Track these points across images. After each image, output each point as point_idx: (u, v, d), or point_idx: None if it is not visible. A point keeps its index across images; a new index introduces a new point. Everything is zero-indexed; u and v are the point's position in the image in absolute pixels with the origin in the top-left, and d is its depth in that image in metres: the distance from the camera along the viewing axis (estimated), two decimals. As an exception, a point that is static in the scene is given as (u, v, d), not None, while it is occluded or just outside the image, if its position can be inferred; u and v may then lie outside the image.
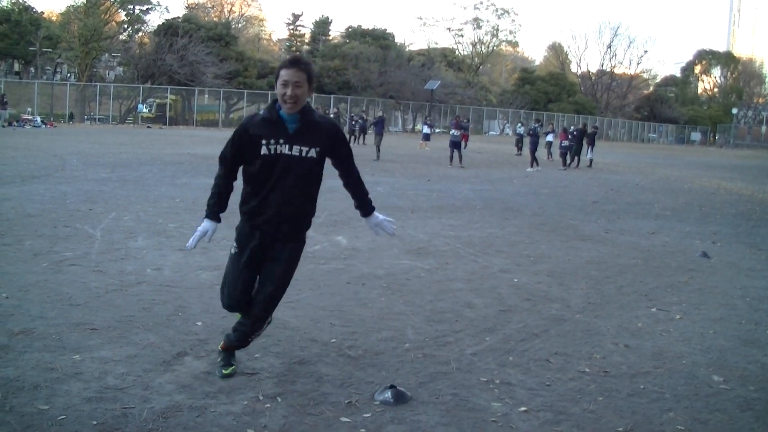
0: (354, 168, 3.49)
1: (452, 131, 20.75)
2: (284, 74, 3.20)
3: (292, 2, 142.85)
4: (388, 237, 3.54)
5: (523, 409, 3.25)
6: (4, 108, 31.87)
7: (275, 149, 3.23)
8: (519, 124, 32.14)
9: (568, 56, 76.02)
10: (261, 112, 3.34)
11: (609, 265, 6.73)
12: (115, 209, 8.56)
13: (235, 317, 3.65)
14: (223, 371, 3.46)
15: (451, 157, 20.08)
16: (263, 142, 3.23)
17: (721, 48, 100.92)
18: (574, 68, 75.16)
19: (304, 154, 3.25)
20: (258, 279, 3.41)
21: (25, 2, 48.83)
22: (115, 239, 6.62)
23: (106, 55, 48.69)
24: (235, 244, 3.40)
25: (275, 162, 3.23)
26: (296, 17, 65.99)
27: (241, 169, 3.40)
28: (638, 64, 75.63)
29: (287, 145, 3.23)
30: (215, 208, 3.41)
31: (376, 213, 3.53)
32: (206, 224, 3.39)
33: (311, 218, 3.50)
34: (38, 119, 34.13)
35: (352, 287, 5.40)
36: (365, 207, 3.53)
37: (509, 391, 3.45)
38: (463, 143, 22.23)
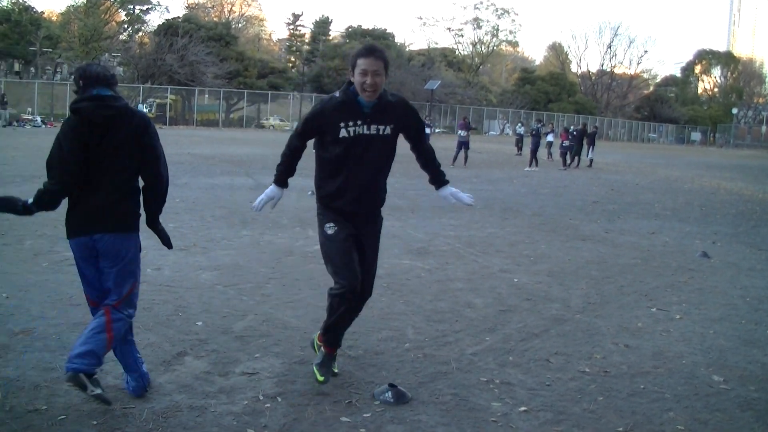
0: (425, 142, 3.55)
1: (459, 132, 20.72)
2: (362, 63, 3.19)
3: (292, 2, 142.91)
4: (464, 205, 3.59)
5: (523, 409, 3.25)
6: (4, 108, 31.89)
7: (354, 131, 3.28)
8: (519, 124, 32.13)
9: (568, 56, 76.07)
10: (337, 95, 3.34)
11: (609, 265, 6.73)
12: (115, 209, 8.55)
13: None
14: (321, 377, 3.36)
15: (455, 157, 20.06)
16: (341, 125, 3.27)
17: (721, 48, 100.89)
18: (574, 68, 75.23)
19: (381, 132, 3.32)
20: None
21: (25, 2, 48.80)
22: (115, 239, 6.60)
23: (106, 55, 48.68)
24: (329, 224, 3.37)
25: (354, 143, 3.29)
26: (296, 17, 65.98)
27: (315, 156, 3.45)
28: (638, 64, 75.71)
29: (365, 126, 3.29)
30: (284, 175, 3.48)
31: (449, 186, 3.55)
32: (274, 189, 3.47)
33: (385, 195, 3.57)
34: (38, 119, 34.18)
35: (352, 287, 5.40)
36: (438, 179, 3.56)
37: (509, 391, 3.45)
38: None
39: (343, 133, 3.27)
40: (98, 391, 2.90)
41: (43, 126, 32.79)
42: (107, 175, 3.05)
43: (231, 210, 9.18)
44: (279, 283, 5.42)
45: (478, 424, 3.08)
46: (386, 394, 3.26)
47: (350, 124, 3.26)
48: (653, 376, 3.77)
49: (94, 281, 3.12)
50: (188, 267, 5.78)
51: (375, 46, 3.33)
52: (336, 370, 3.53)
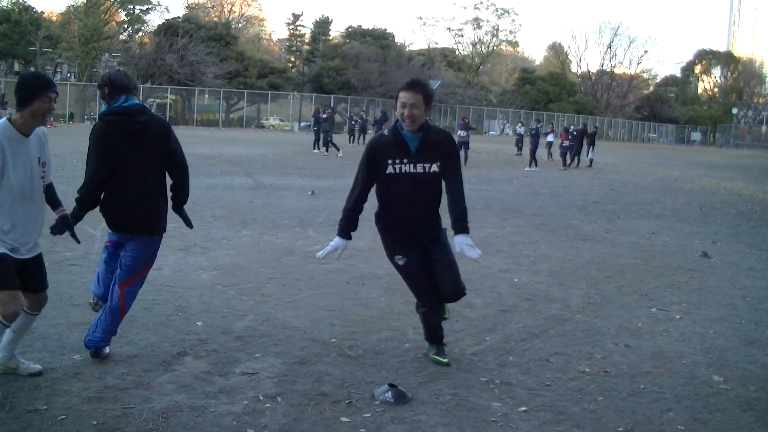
0: (457, 180, 3.60)
1: (459, 132, 20.73)
2: (402, 96, 3.46)
3: (292, 2, 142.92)
4: (468, 258, 3.66)
5: (523, 409, 3.25)
6: (3, 108, 31.87)
7: (400, 168, 3.49)
8: (519, 124, 32.13)
9: (568, 56, 76.00)
10: (386, 133, 3.57)
11: (609, 265, 6.73)
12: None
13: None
14: (440, 358, 3.78)
15: None
16: (389, 161, 3.49)
17: (721, 48, 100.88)
18: (574, 68, 75.17)
19: (427, 170, 3.50)
20: (435, 276, 3.65)
21: (25, 2, 48.77)
22: (115, 239, 6.60)
23: (106, 55, 48.66)
24: (398, 256, 3.64)
25: (401, 180, 3.49)
26: (296, 17, 65.95)
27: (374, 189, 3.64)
28: (638, 64, 75.51)
29: (411, 164, 3.49)
30: (346, 229, 3.64)
31: (464, 235, 3.56)
32: (338, 241, 3.62)
33: (439, 226, 3.71)
34: (38, 119, 34.09)
35: (352, 287, 5.41)
36: (455, 224, 3.59)
37: (509, 391, 3.45)
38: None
39: (390, 169, 3.49)
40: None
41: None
42: (136, 179, 3.48)
43: (231, 210, 9.18)
44: (279, 283, 5.42)
45: (478, 424, 3.08)
46: (386, 394, 3.26)
47: (397, 161, 3.49)
48: (653, 376, 3.77)
49: (111, 266, 3.66)
50: (188, 267, 5.78)
51: (417, 80, 3.59)
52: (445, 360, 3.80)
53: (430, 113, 3.54)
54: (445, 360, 3.77)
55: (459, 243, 3.57)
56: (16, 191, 3.07)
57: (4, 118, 3.13)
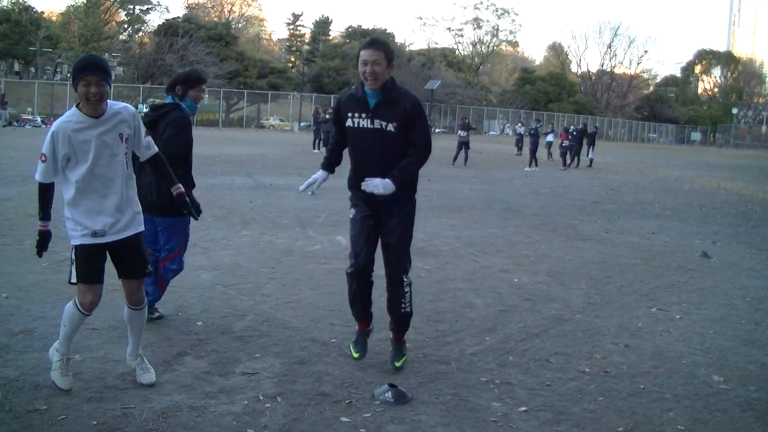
0: (417, 144, 3.50)
1: (459, 132, 20.73)
2: (363, 54, 3.45)
3: (292, 2, 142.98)
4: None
5: (523, 409, 3.25)
6: (4, 108, 31.89)
7: (358, 122, 3.50)
8: (519, 124, 32.15)
9: (568, 56, 76.09)
10: (353, 88, 3.62)
11: (609, 265, 6.73)
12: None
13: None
14: (395, 363, 3.67)
15: (456, 158, 20.07)
16: (348, 115, 3.52)
17: (721, 48, 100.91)
18: (574, 68, 75.24)
19: (384, 127, 3.47)
20: (382, 249, 3.64)
21: (25, 2, 48.78)
22: (115, 239, 6.60)
23: (106, 55, 48.62)
24: (352, 209, 3.68)
25: (359, 135, 3.52)
26: (296, 17, 65.98)
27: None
28: (638, 64, 75.62)
29: (368, 120, 3.48)
30: (328, 161, 3.74)
31: (387, 179, 3.41)
32: (319, 173, 3.70)
33: (412, 184, 3.64)
34: (38, 119, 34.18)
35: (352, 287, 5.40)
36: (394, 172, 3.46)
37: (509, 391, 3.45)
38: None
39: (348, 122, 3.53)
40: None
41: (43, 126, 32.74)
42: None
43: (231, 210, 9.18)
44: (279, 283, 5.42)
45: (478, 424, 3.08)
46: (386, 394, 3.26)
47: (355, 115, 3.50)
48: (653, 376, 3.77)
49: (148, 237, 3.93)
50: (188, 267, 5.76)
51: (376, 38, 3.62)
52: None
53: (391, 70, 3.47)
54: (356, 355, 3.75)
55: (373, 181, 3.41)
56: (85, 175, 3.06)
57: (74, 106, 3.09)
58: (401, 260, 3.65)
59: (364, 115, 3.48)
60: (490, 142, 42.39)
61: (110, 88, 3.07)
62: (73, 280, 3.17)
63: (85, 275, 3.13)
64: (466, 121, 20.83)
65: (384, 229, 3.60)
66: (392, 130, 3.46)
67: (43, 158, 3.04)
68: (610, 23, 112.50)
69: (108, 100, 3.09)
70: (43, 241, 3.28)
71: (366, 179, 3.47)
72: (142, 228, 3.26)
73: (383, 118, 3.46)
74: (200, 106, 4.63)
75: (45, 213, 3.23)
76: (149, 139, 3.30)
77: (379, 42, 3.54)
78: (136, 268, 3.23)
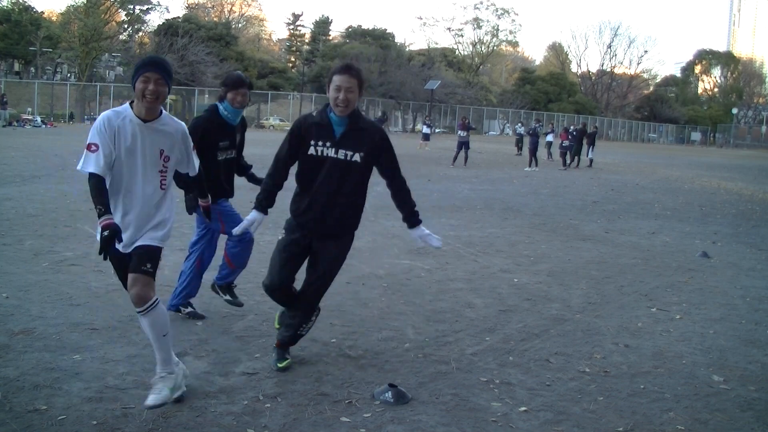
0: (399, 177, 3.55)
1: (459, 132, 20.73)
2: (337, 80, 3.34)
3: (292, 2, 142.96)
4: (432, 248, 3.65)
5: (523, 409, 3.25)
6: (4, 108, 31.88)
7: (321, 151, 3.38)
8: (519, 124, 32.16)
9: (568, 56, 76.07)
10: (314, 114, 3.49)
11: (609, 265, 6.73)
12: (115, 209, 8.55)
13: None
14: (278, 364, 3.59)
15: (455, 158, 20.07)
16: (311, 143, 3.39)
17: (721, 48, 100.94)
18: (574, 68, 75.23)
19: (348, 158, 3.38)
20: (306, 272, 3.56)
21: (25, 2, 48.81)
22: (115, 239, 6.60)
23: (106, 55, 48.71)
24: (283, 232, 3.57)
25: (321, 163, 3.39)
26: (296, 17, 65.91)
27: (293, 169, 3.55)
28: (638, 64, 75.58)
29: (333, 149, 3.37)
30: (264, 203, 3.52)
31: (421, 226, 3.54)
32: (254, 214, 3.51)
33: (358, 218, 3.58)
34: (38, 119, 34.17)
35: (352, 287, 5.40)
36: (410, 219, 3.55)
37: (509, 391, 3.45)
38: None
39: (311, 150, 3.39)
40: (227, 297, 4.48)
41: (43, 126, 32.77)
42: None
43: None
44: (279, 283, 5.41)
45: (478, 424, 3.08)
46: (386, 394, 3.26)
47: (320, 143, 3.38)
48: (653, 376, 3.77)
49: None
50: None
51: (351, 64, 3.48)
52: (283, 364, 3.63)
53: (361, 97, 3.43)
54: (281, 365, 3.59)
55: (417, 236, 3.53)
56: (120, 177, 2.93)
57: (128, 103, 2.98)
58: (322, 289, 3.59)
59: (329, 144, 3.36)
60: (490, 142, 42.38)
61: (169, 91, 2.96)
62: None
63: (121, 278, 3.09)
64: (466, 121, 20.83)
65: (317, 253, 3.50)
66: (357, 160, 3.38)
67: (93, 148, 2.84)
68: (610, 23, 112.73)
69: (166, 112, 3.00)
70: (112, 236, 2.74)
71: (429, 241, 3.50)
72: (155, 244, 3.00)
73: (349, 147, 3.37)
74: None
75: (104, 207, 2.80)
76: (194, 154, 3.21)
77: (355, 68, 3.42)
78: (137, 262, 2.94)
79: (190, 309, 4.42)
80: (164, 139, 2.98)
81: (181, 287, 4.39)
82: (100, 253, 2.78)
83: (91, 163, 2.83)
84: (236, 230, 3.60)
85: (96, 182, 2.84)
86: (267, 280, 3.56)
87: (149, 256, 2.97)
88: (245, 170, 4.93)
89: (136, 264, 2.94)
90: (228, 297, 4.48)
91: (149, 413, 2.99)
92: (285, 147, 3.48)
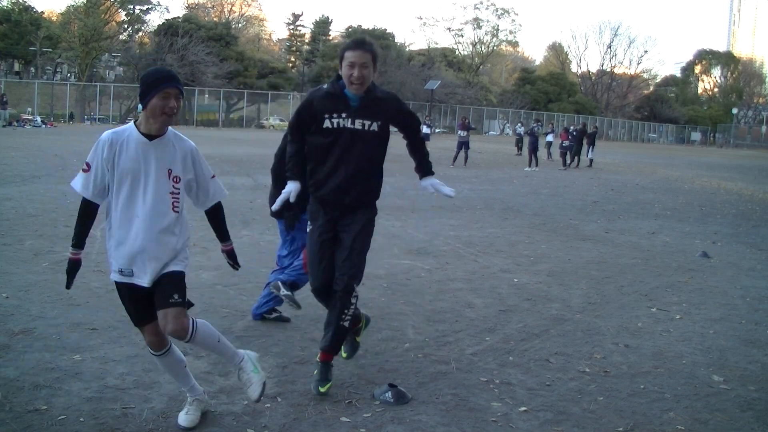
0: (418, 135, 3.53)
1: (459, 132, 20.74)
2: (350, 56, 3.20)
3: (292, 2, 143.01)
4: (445, 198, 3.58)
5: (523, 409, 3.25)
6: (4, 108, 31.87)
7: (338, 123, 3.28)
8: (519, 124, 32.16)
9: (568, 56, 76.07)
10: (325, 86, 3.36)
11: (609, 265, 6.73)
12: (115, 209, 8.55)
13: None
14: (320, 388, 3.29)
15: (455, 157, 20.07)
16: (326, 115, 3.28)
17: (721, 48, 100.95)
18: (574, 68, 75.23)
19: (366, 127, 3.30)
20: (336, 255, 3.37)
21: (25, 2, 48.82)
22: (115, 239, 6.60)
23: (106, 55, 48.72)
24: (309, 223, 3.47)
25: (339, 135, 3.28)
26: (296, 17, 65.92)
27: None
28: (638, 64, 75.59)
29: (350, 119, 3.28)
30: (296, 170, 3.40)
31: (431, 176, 3.49)
32: (290, 185, 3.38)
33: (378, 189, 3.50)
34: (38, 119, 34.16)
35: (352, 287, 5.40)
36: (423, 168, 3.50)
37: (509, 391, 3.45)
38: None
39: (327, 123, 3.28)
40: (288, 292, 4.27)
41: (43, 126, 32.76)
42: None
43: (231, 210, 9.14)
44: (279, 283, 5.41)
45: (478, 424, 3.08)
46: (386, 394, 3.26)
47: (335, 115, 3.28)
48: (653, 376, 3.77)
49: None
50: (188, 267, 5.77)
51: (363, 39, 3.34)
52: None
53: (376, 73, 3.30)
54: (323, 389, 3.32)
55: (429, 184, 3.46)
56: (124, 203, 2.74)
57: (132, 122, 2.80)
58: (355, 264, 3.33)
59: (344, 115, 3.26)
60: (490, 142, 42.38)
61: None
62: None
63: (130, 316, 2.86)
64: (466, 121, 20.83)
65: (342, 228, 3.36)
66: (375, 129, 3.31)
67: (86, 168, 2.73)
68: (610, 23, 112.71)
69: (171, 129, 2.82)
70: (70, 270, 2.78)
71: (440, 189, 3.42)
72: (178, 269, 2.82)
73: (366, 116, 3.29)
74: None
75: (78, 239, 2.80)
76: (216, 183, 2.93)
77: (368, 42, 3.29)
78: (158, 298, 2.76)
79: (276, 314, 4.47)
80: (171, 158, 2.78)
81: (267, 298, 4.43)
82: (67, 288, 2.80)
83: (79, 183, 2.76)
84: (275, 206, 3.48)
85: (82, 209, 2.79)
86: (313, 284, 3.44)
87: (173, 286, 2.77)
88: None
89: (162, 298, 2.75)
90: (290, 292, 4.33)
91: (149, 413, 2.99)
92: (295, 121, 3.39)
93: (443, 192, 3.47)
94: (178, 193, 2.80)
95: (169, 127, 2.80)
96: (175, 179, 2.78)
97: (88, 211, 2.78)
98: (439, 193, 3.48)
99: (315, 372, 3.38)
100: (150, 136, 2.73)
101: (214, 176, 2.94)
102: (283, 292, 4.25)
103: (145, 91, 2.70)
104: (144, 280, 2.74)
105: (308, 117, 3.33)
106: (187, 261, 2.88)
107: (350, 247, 3.33)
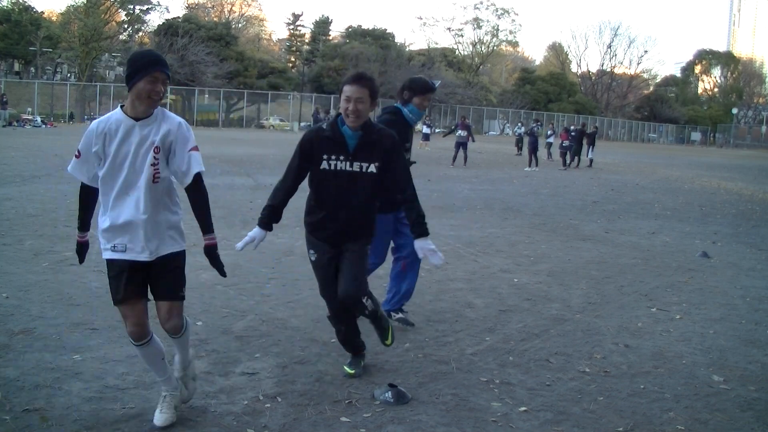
0: (407, 184, 3.41)
1: (458, 132, 20.74)
2: (347, 90, 3.27)
3: (292, 2, 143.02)
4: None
5: (523, 409, 3.25)
6: (4, 108, 31.89)
7: (335, 165, 3.30)
8: (519, 124, 32.17)
9: (568, 56, 76.10)
10: (324, 127, 3.38)
11: (609, 265, 6.73)
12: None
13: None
14: (348, 369, 3.57)
15: (455, 157, 20.07)
16: (324, 157, 3.31)
17: (721, 48, 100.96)
18: (574, 68, 75.26)
19: (364, 169, 3.32)
20: (339, 280, 3.41)
21: (25, 2, 48.83)
22: (115, 239, 6.60)
23: (106, 55, 48.71)
24: (311, 251, 3.50)
25: (335, 177, 3.31)
26: (296, 17, 65.89)
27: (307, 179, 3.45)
28: (638, 64, 75.62)
29: (347, 162, 3.30)
30: (267, 219, 3.40)
31: (424, 239, 3.35)
32: (256, 231, 3.38)
33: (375, 218, 3.53)
34: (38, 119, 34.18)
35: (352, 287, 5.40)
36: (413, 228, 3.39)
37: (509, 391, 3.45)
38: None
39: (324, 165, 3.31)
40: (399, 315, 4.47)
41: (43, 126, 32.77)
42: None
43: (231, 210, 9.18)
44: (279, 283, 5.42)
45: (478, 424, 3.08)
46: (386, 394, 3.26)
47: (332, 157, 3.30)
48: (653, 376, 3.77)
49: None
50: (188, 267, 5.74)
51: (363, 74, 3.38)
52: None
53: (374, 108, 3.35)
54: (352, 372, 3.55)
55: (420, 248, 3.34)
56: (116, 184, 2.77)
57: (119, 107, 2.81)
58: (359, 289, 3.35)
59: (342, 158, 3.28)
60: (490, 142, 42.38)
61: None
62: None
63: (114, 293, 2.82)
64: (465, 121, 20.83)
65: (344, 259, 3.41)
66: (373, 171, 3.31)
67: (77, 154, 2.80)
68: (610, 23, 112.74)
69: (159, 107, 2.82)
70: (80, 251, 3.02)
71: (429, 257, 3.31)
72: (178, 248, 2.90)
73: (364, 159, 3.29)
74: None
75: (82, 222, 2.95)
76: (194, 155, 2.82)
77: (366, 78, 3.33)
78: (163, 288, 2.85)
79: (400, 315, 4.49)
80: (156, 133, 2.78)
81: (393, 293, 4.54)
82: (80, 263, 3.06)
83: (75, 170, 2.84)
84: (238, 245, 3.36)
85: (82, 192, 2.90)
86: (330, 311, 3.52)
87: (178, 278, 2.88)
88: None
89: (169, 290, 2.84)
90: (400, 315, 4.51)
91: (149, 413, 2.99)
92: (295, 162, 3.39)
93: (431, 261, 3.34)
94: (158, 164, 2.78)
95: (158, 107, 2.82)
96: (156, 150, 2.77)
97: (85, 195, 2.89)
98: (427, 259, 3.37)
99: (348, 361, 3.62)
100: (137, 118, 2.76)
101: (195, 149, 2.84)
102: (395, 317, 4.43)
103: (132, 74, 2.72)
104: (142, 255, 2.78)
105: (306, 157, 3.35)
106: (184, 237, 2.96)
107: (355, 275, 3.37)
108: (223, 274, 2.99)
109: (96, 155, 2.76)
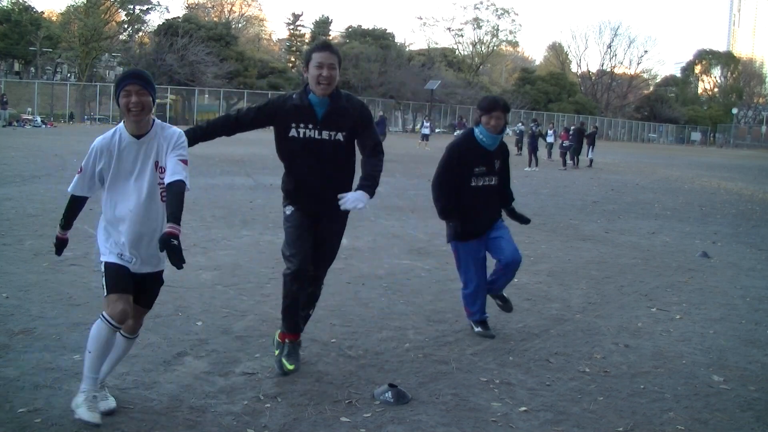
0: (375, 152, 3.44)
1: (457, 132, 20.76)
2: (318, 57, 3.29)
3: (292, 2, 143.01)
4: (356, 210, 3.40)
5: (523, 409, 3.25)
6: (4, 108, 31.87)
7: (304, 133, 3.35)
8: (519, 124, 32.17)
9: (568, 56, 76.05)
10: (294, 96, 3.42)
11: (609, 265, 6.73)
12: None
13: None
14: (289, 366, 3.51)
15: None
16: (292, 125, 3.35)
17: (721, 48, 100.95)
18: (574, 68, 75.20)
19: (332, 138, 3.35)
20: (315, 246, 3.51)
21: (25, 2, 48.80)
22: (115, 239, 6.60)
23: (106, 55, 48.66)
24: (290, 206, 3.52)
25: (304, 146, 3.36)
26: (296, 17, 65.87)
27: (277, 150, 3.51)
28: (638, 64, 75.52)
29: (316, 130, 3.34)
30: (191, 134, 3.31)
31: (362, 191, 3.32)
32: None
33: (351, 182, 3.54)
34: (38, 119, 34.14)
35: (352, 287, 5.40)
36: (360, 181, 3.39)
37: (509, 391, 3.45)
38: None
39: (293, 132, 3.36)
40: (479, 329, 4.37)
41: (43, 126, 32.74)
42: None
43: (231, 210, 9.18)
44: (279, 283, 5.36)
45: (478, 424, 3.08)
46: (386, 394, 3.26)
47: (301, 125, 3.35)
48: (653, 376, 3.77)
49: None
50: (188, 267, 5.75)
51: (329, 42, 3.46)
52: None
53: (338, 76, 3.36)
54: (291, 367, 3.48)
55: (353, 198, 3.28)
56: (118, 199, 2.90)
57: (121, 122, 2.91)
58: (327, 267, 3.65)
59: (311, 126, 3.32)
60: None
61: (154, 102, 2.86)
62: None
63: (111, 284, 2.87)
64: (463, 121, 20.85)
65: (322, 230, 3.49)
66: (341, 139, 3.37)
67: (80, 170, 2.92)
68: (610, 23, 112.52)
69: (158, 121, 2.92)
70: (59, 246, 3.30)
71: (342, 199, 3.28)
72: (161, 268, 3.05)
73: (332, 128, 3.33)
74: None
75: (66, 221, 3.19)
76: (180, 166, 2.80)
77: (334, 46, 3.42)
78: (144, 297, 3.03)
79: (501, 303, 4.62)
80: (158, 151, 2.87)
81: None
82: (57, 255, 3.30)
83: (74, 186, 2.97)
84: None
85: (71, 201, 3.05)
86: (293, 266, 3.39)
87: (155, 293, 3.12)
88: (507, 201, 4.55)
89: (146, 299, 3.06)
90: (479, 329, 4.41)
91: (149, 413, 2.99)
92: (253, 112, 3.46)
93: (350, 206, 3.29)
94: (162, 183, 2.88)
95: (157, 120, 2.92)
96: (161, 170, 2.87)
97: (74, 201, 3.06)
98: (346, 203, 3.30)
99: (285, 352, 3.53)
100: (138, 136, 2.87)
101: (185, 162, 2.84)
102: (476, 330, 4.37)
103: (115, 94, 2.87)
104: (144, 268, 2.97)
105: (270, 114, 3.42)
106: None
107: (329, 252, 3.59)
108: (179, 266, 2.67)
109: (100, 173, 2.90)
